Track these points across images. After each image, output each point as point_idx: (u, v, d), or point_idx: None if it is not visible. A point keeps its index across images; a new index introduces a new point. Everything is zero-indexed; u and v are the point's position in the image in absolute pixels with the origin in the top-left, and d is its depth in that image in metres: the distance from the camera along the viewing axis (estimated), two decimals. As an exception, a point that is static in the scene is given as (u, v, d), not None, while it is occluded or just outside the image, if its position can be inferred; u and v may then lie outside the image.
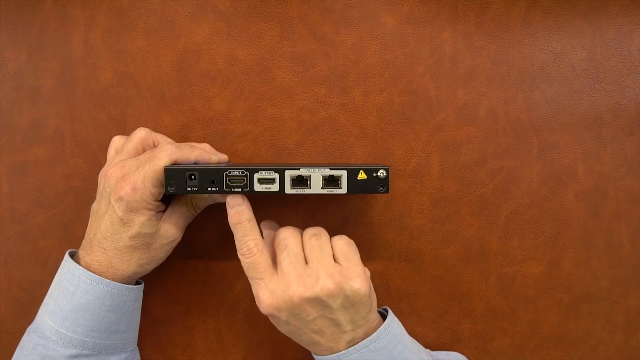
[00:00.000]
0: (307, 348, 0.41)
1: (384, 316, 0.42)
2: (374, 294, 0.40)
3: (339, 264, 0.39)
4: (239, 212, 0.39)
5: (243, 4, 0.47)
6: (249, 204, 0.40)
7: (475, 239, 0.48)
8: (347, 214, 0.48)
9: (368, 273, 0.40)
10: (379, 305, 0.45)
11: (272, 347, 0.49)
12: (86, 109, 0.47)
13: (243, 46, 0.47)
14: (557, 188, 0.47)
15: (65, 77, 0.47)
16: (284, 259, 0.39)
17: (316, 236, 0.40)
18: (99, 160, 0.47)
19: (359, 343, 0.38)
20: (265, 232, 0.43)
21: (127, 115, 0.47)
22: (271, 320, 0.40)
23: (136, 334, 0.44)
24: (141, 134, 0.42)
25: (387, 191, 0.39)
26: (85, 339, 0.39)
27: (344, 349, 0.38)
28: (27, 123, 0.47)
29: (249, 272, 0.39)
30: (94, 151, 0.47)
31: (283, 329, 0.40)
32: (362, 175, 0.39)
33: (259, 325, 0.48)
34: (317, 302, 0.37)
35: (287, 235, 0.40)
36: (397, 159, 0.47)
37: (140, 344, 0.46)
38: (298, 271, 0.38)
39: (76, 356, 0.39)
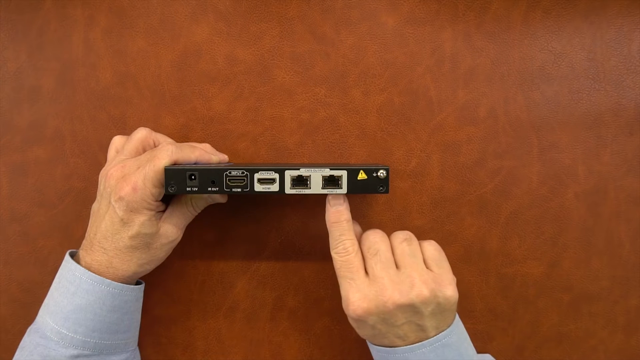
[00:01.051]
0: (379, 344, 0.40)
1: None
2: None
3: (430, 270, 0.39)
4: (339, 212, 0.40)
5: (243, 4, 0.47)
6: (348, 204, 0.40)
7: (475, 239, 0.48)
8: (347, 214, 0.48)
9: (455, 280, 0.40)
10: None
11: (272, 347, 0.49)
12: (86, 109, 0.47)
13: (243, 46, 0.47)
14: (557, 188, 0.47)
15: (65, 77, 0.47)
16: (375, 263, 0.38)
17: (407, 241, 0.40)
18: (99, 160, 0.47)
19: (433, 337, 0.38)
20: None
21: (127, 115, 0.47)
22: (353, 322, 0.39)
23: (137, 334, 0.44)
24: (141, 133, 0.42)
25: (387, 191, 0.39)
26: (86, 339, 0.39)
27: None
28: (27, 123, 0.47)
29: (341, 271, 0.39)
30: (94, 151, 0.47)
31: (364, 332, 0.39)
32: (362, 176, 0.39)
33: (259, 325, 0.49)
34: (410, 308, 0.37)
35: (377, 240, 0.40)
36: (397, 159, 0.47)
37: (140, 344, 0.46)
38: (391, 277, 0.38)
39: (77, 356, 0.39)
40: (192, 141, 0.47)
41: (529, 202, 0.48)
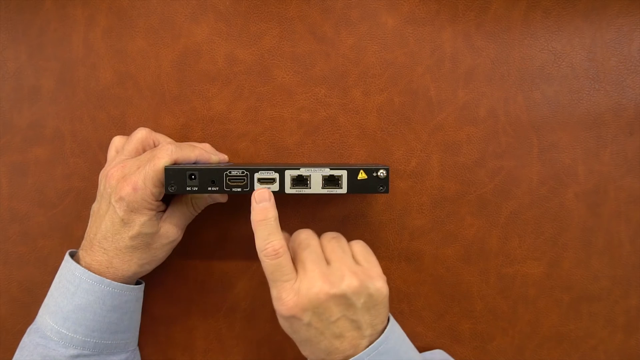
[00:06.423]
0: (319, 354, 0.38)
1: None
2: None
3: (359, 264, 0.39)
4: (266, 209, 0.37)
5: (243, 4, 0.47)
6: (274, 201, 0.38)
7: (475, 239, 0.48)
8: (347, 214, 0.48)
9: (384, 277, 0.39)
10: None
11: (272, 347, 0.49)
12: (86, 109, 0.47)
13: (243, 46, 0.47)
14: (557, 188, 0.47)
15: (65, 77, 0.47)
16: (306, 257, 0.38)
17: (336, 239, 0.40)
18: (99, 160, 0.47)
19: (369, 347, 0.37)
20: None
21: (127, 115, 0.47)
22: (289, 325, 0.38)
23: (137, 333, 0.44)
24: (141, 134, 0.42)
25: (387, 191, 0.39)
26: (86, 339, 0.39)
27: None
28: (27, 123, 0.47)
29: (273, 275, 0.37)
30: (94, 151, 0.47)
31: (301, 334, 0.37)
32: (362, 175, 0.39)
33: (259, 325, 0.48)
34: (343, 300, 0.36)
35: (308, 236, 0.39)
36: (397, 159, 0.47)
37: (141, 344, 0.46)
38: (322, 269, 0.37)
39: (77, 356, 0.39)
40: (192, 141, 0.47)
41: (529, 202, 0.48)
